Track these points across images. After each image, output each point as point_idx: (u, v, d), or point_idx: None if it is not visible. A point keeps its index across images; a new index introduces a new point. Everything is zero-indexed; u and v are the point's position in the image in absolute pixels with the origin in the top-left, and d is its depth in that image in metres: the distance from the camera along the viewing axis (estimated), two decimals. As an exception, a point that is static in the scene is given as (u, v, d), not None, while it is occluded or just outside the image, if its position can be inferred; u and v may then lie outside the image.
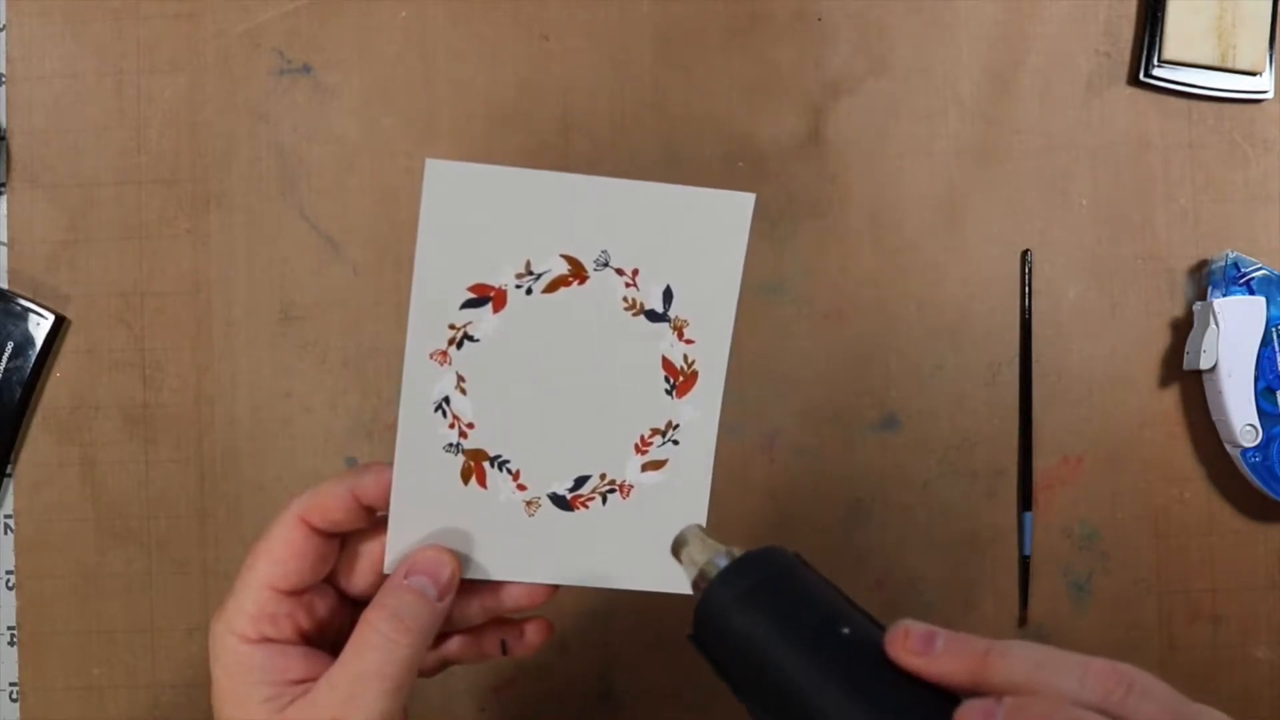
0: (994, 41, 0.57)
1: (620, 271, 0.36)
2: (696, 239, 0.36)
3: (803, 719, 0.29)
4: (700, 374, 0.38)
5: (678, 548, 0.36)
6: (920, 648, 0.29)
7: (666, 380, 0.38)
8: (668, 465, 0.38)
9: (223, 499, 0.57)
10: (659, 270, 0.36)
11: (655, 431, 0.38)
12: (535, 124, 0.57)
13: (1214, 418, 0.55)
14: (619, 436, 0.38)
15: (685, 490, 0.38)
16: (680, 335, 0.37)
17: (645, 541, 0.38)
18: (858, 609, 0.32)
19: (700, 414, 0.38)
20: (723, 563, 0.33)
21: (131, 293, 0.57)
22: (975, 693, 0.28)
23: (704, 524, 0.36)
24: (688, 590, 0.38)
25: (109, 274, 0.57)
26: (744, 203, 0.36)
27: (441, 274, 0.35)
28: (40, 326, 0.56)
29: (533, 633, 0.40)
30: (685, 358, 0.37)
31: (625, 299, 0.37)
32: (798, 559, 0.33)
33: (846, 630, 0.30)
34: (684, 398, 0.38)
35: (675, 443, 0.38)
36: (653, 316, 0.37)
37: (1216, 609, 0.56)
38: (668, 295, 0.37)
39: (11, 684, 0.57)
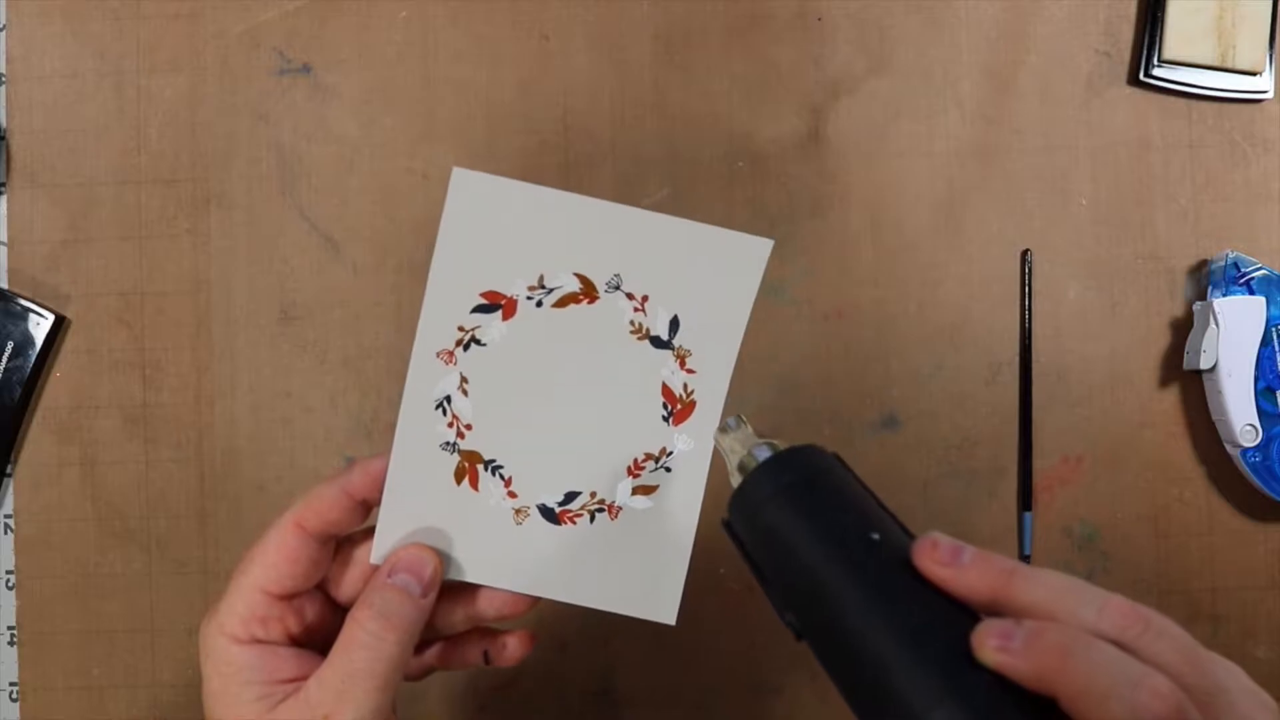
0: (994, 41, 0.57)
1: (630, 296, 0.37)
2: (710, 275, 0.37)
3: (824, 617, 0.29)
4: (698, 404, 0.38)
5: (720, 434, 0.36)
6: (947, 559, 0.29)
7: (665, 406, 0.38)
8: (658, 491, 0.38)
9: (223, 499, 0.57)
10: (669, 300, 0.37)
11: (649, 456, 0.38)
12: (535, 124, 0.57)
13: (1214, 418, 0.55)
14: (613, 457, 0.38)
15: (672, 517, 0.38)
16: (682, 364, 0.38)
17: (627, 565, 0.38)
18: (891, 516, 0.32)
19: (694, 444, 0.38)
20: (763, 455, 0.33)
21: (131, 293, 0.57)
22: (995, 611, 0.28)
23: (745, 416, 0.36)
24: (670, 621, 0.38)
25: (109, 274, 0.57)
26: (762, 248, 0.37)
27: (456, 277, 0.36)
28: (40, 326, 0.56)
29: (514, 645, 0.40)
30: (685, 387, 0.38)
31: (632, 323, 0.37)
32: (838, 460, 0.33)
33: (876, 535, 0.30)
34: (680, 426, 0.38)
35: (667, 469, 0.38)
36: (657, 343, 0.37)
37: (1216, 609, 0.56)
38: (674, 324, 0.37)
39: (11, 684, 0.57)
